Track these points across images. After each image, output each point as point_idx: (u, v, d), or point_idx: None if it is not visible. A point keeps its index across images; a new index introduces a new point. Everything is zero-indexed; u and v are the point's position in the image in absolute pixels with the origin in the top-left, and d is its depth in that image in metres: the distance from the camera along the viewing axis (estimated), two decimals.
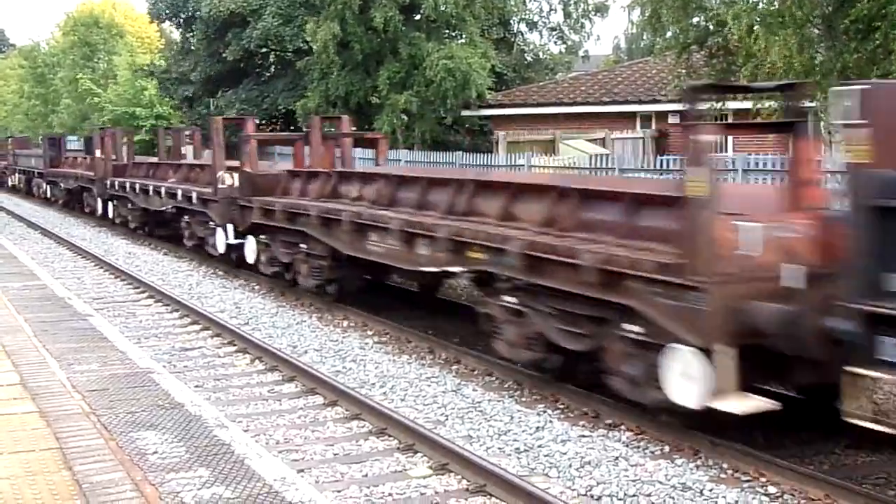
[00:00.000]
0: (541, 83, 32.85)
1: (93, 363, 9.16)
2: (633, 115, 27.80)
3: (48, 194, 34.72)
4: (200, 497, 5.62)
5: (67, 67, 57.26)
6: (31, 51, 67.41)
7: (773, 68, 15.18)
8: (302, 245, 13.72)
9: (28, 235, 25.23)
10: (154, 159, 26.45)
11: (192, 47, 38.75)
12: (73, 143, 37.75)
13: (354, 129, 20.30)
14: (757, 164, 17.45)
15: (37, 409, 7.30)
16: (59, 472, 5.89)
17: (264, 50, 35.94)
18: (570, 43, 36.93)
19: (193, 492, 5.70)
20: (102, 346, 10.00)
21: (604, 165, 20.49)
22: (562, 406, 8.74)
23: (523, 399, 9.04)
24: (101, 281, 17.13)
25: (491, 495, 6.59)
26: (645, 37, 46.00)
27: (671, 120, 26.79)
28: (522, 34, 37.29)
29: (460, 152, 25.24)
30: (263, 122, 34.64)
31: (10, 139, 46.32)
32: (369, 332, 12.09)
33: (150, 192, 21.35)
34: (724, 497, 6.50)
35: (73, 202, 31.02)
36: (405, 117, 29.57)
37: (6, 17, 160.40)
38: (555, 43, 37.23)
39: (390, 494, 6.68)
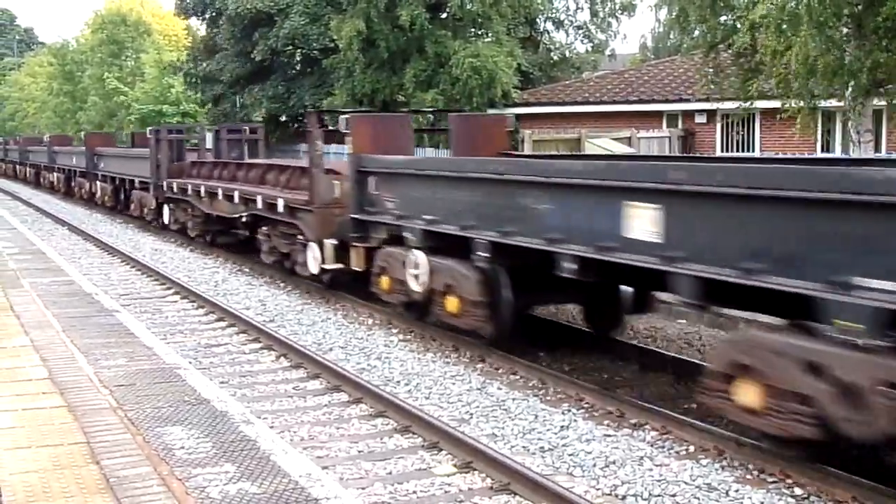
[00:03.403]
0: (567, 82, 32.79)
1: (120, 359, 9.22)
2: (659, 114, 27.72)
3: None
4: (226, 492, 5.65)
5: (95, 65, 57.63)
6: (60, 48, 67.86)
7: (800, 68, 15.06)
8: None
9: (55, 231, 25.44)
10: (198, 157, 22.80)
11: (219, 45, 38.88)
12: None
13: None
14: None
15: (65, 404, 7.36)
16: (86, 466, 5.93)
17: (290, 48, 36.03)
18: (596, 42, 36.86)
19: (220, 487, 5.73)
20: (129, 342, 10.05)
21: None
22: (586, 405, 8.72)
23: (548, 398, 9.03)
24: (128, 277, 17.25)
25: (515, 494, 6.58)
26: (672, 35, 45.72)
27: (698, 119, 26.71)
28: (549, 33, 37.23)
29: None
30: (289, 120, 34.74)
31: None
32: (394, 330, 12.10)
33: (220, 196, 18.40)
34: (750, 498, 6.47)
35: None
36: (431, 116, 29.63)
37: (36, 15, 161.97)
38: (581, 42, 37.18)
39: (414, 492, 6.69)
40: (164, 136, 23.38)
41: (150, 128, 25.16)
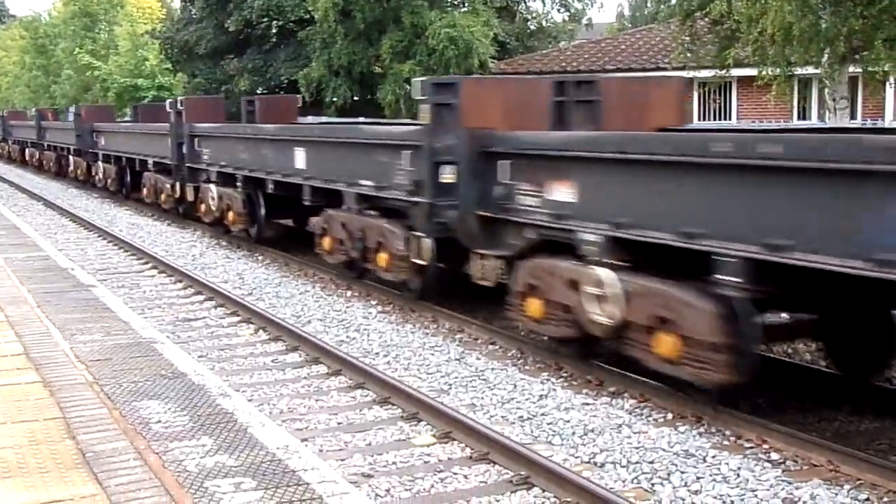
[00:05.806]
0: (544, 51, 32.69)
1: (96, 333, 9.15)
2: None
3: None
4: (203, 465, 5.62)
5: (68, 38, 56.94)
6: (31, 21, 67.06)
7: (776, 35, 15.06)
8: None
9: (31, 206, 25.23)
10: None
11: (194, 16, 38.44)
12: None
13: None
14: None
15: (40, 379, 7.30)
16: (62, 442, 5.89)
17: (266, 20, 35.69)
18: (573, 11, 36.73)
19: (196, 460, 5.71)
20: (106, 317, 9.98)
21: None
22: (565, 374, 8.74)
23: (526, 367, 9.04)
24: (105, 252, 17.13)
25: (494, 463, 6.59)
26: (649, 4, 45.53)
27: None
28: (525, 2, 37.07)
29: None
30: (265, 91, 34.45)
31: None
32: (373, 302, 12.09)
33: None
34: (727, 464, 6.50)
35: None
36: (408, 87, 29.48)
37: None
38: (558, 11, 37.05)
39: (394, 463, 6.69)
40: None
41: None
